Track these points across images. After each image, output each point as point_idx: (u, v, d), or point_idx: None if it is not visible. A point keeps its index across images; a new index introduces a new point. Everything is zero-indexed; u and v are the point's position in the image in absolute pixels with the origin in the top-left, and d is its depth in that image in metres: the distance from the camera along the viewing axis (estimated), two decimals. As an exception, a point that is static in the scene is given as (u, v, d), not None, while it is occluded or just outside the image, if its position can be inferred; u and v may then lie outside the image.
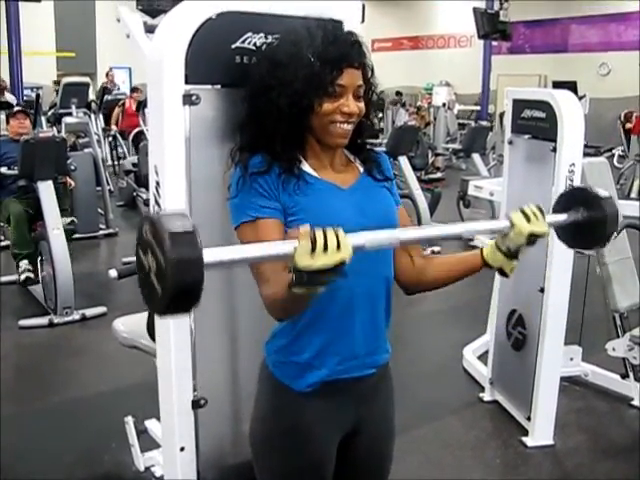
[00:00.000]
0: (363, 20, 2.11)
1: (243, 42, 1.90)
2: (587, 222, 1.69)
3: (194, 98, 1.88)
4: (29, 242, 5.99)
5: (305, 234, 1.30)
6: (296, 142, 1.70)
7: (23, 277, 5.97)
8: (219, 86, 1.96)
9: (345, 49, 1.64)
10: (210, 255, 1.25)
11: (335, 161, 1.75)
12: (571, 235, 1.75)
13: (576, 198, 1.73)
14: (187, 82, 1.88)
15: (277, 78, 1.65)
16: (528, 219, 1.63)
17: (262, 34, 1.91)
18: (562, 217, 1.71)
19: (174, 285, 1.17)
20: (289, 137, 1.67)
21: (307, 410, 1.72)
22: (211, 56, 1.90)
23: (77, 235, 6.98)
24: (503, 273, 1.76)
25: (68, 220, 5.97)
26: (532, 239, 1.64)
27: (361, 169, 1.79)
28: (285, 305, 1.51)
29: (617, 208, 1.69)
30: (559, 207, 1.76)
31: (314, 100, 1.63)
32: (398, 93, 19.52)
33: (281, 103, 1.64)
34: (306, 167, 1.69)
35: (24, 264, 5.97)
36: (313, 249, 1.29)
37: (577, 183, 3.54)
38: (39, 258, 5.86)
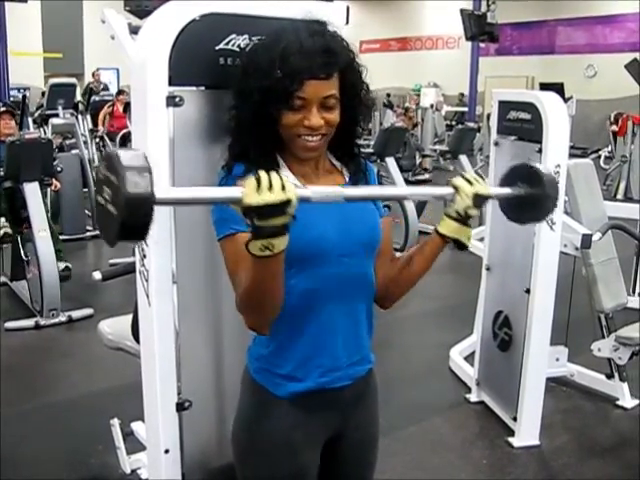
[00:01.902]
0: (347, 22, 2.11)
1: (227, 44, 1.90)
2: (527, 198, 1.73)
3: (178, 100, 1.88)
4: (1, 199, 5.91)
5: (251, 177, 1.34)
6: (270, 150, 1.66)
7: (1, 233, 5.88)
8: (203, 88, 1.96)
9: (307, 60, 1.55)
10: (162, 192, 1.30)
11: (318, 168, 1.72)
12: (513, 209, 1.79)
13: (519, 175, 1.77)
14: (171, 84, 1.87)
15: (242, 87, 1.63)
16: (470, 183, 1.64)
17: (246, 36, 1.90)
18: (505, 190, 1.75)
19: (126, 201, 1.21)
20: (260, 146, 1.64)
21: (289, 416, 1.71)
22: (195, 58, 1.89)
23: (64, 237, 6.95)
24: (461, 245, 1.72)
25: (62, 266, 5.91)
26: (478, 201, 1.64)
27: (347, 178, 1.76)
28: (253, 290, 1.49)
29: (557, 185, 1.75)
30: (506, 180, 1.79)
31: (275, 112, 1.59)
32: (389, 95, 19.58)
33: (245, 113, 1.63)
34: (287, 174, 1.65)
35: (1, 222, 5.90)
36: (258, 187, 1.32)
37: (562, 184, 3.56)
38: (25, 259, 5.83)
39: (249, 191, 1.32)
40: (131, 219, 1.23)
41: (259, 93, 1.58)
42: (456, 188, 1.64)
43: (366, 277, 1.75)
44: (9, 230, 5.89)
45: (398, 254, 1.85)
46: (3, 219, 5.91)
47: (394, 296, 1.84)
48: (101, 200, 1.28)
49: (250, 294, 1.52)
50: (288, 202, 1.33)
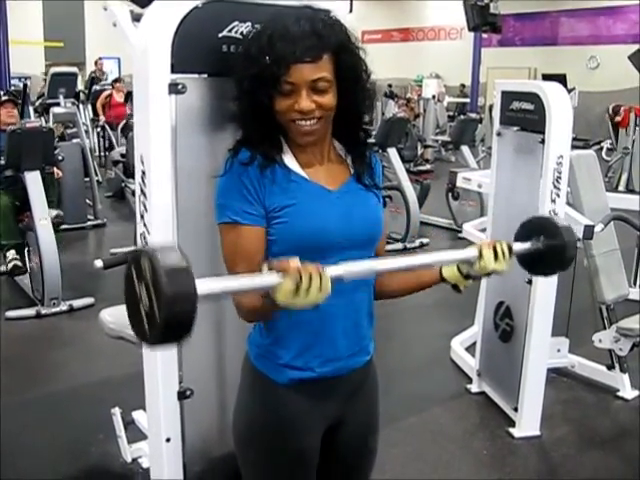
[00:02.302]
0: (351, 10, 2.10)
1: (230, 31, 1.89)
2: (547, 250, 1.77)
3: (180, 87, 1.87)
4: (16, 233, 5.95)
5: (292, 272, 1.34)
6: (271, 136, 1.66)
7: (10, 266, 5.92)
8: (205, 75, 1.95)
9: (291, 45, 1.54)
10: (204, 287, 1.27)
11: (323, 155, 1.71)
12: (532, 262, 1.82)
13: (536, 227, 1.81)
14: (173, 71, 1.87)
15: (239, 75, 1.64)
16: (496, 257, 1.67)
17: (249, 23, 1.90)
18: (525, 246, 1.78)
19: (166, 320, 1.20)
20: (262, 132, 1.64)
21: (289, 403, 1.70)
22: (197, 45, 1.88)
23: (65, 226, 6.95)
24: (456, 288, 1.78)
25: (54, 213, 5.92)
26: (492, 274, 1.70)
27: (352, 170, 1.75)
28: (255, 312, 1.56)
29: (575, 236, 1.79)
30: (521, 234, 1.83)
31: (266, 99, 1.59)
32: (391, 86, 19.53)
33: (245, 100, 1.63)
34: (294, 165, 1.66)
35: (11, 254, 5.93)
36: (297, 289, 1.34)
37: (565, 175, 3.55)
38: (26, 249, 5.84)
39: (285, 290, 1.34)
40: (174, 322, 1.22)
41: (251, 81, 1.59)
42: (481, 256, 1.67)
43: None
44: (19, 263, 5.92)
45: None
46: (13, 251, 5.94)
47: (381, 297, 1.86)
48: (137, 296, 1.25)
49: (249, 314, 1.61)
50: (325, 294, 1.38)
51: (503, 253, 1.68)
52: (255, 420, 1.74)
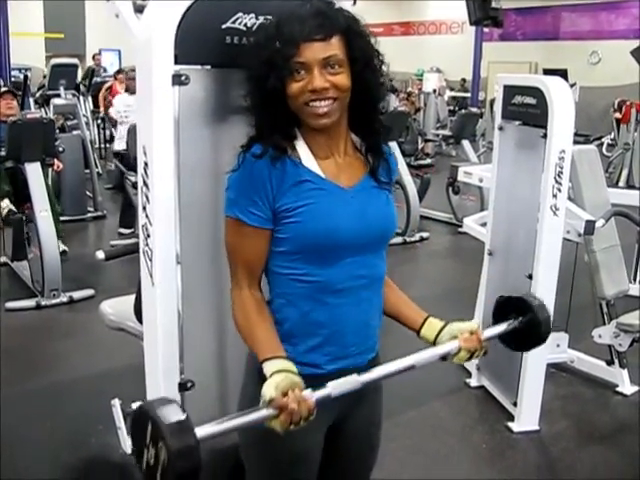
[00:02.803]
0: (354, 2, 2.09)
1: (234, 22, 1.88)
2: (524, 328, 1.87)
3: (183, 78, 1.86)
4: (5, 181, 5.89)
5: (286, 413, 1.45)
6: (284, 128, 1.64)
7: (5, 211, 5.79)
8: (209, 66, 1.94)
9: (299, 24, 1.54)
10: (204, 431, 1.41)
11: (339, 147, 1.68)
12: (511, 339, 1.91)
13: (512, 306, 1.91)
14: (176, 62, 1.86)
15: (250, 69, 1.63)
16: (472, 355, 1.78)
17: (253, 14, 1.89)
18: (502, 327, 1.88)
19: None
20: (274, 124, 1.62)
21: None
22: (201, 36, 1.87)
23: (65, 218, 6.94)
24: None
25: (60, 250, 5.86)
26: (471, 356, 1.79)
27: (367, 165, 1.73)
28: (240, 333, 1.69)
29: (549, 313, 1.89)
30: (497, 314, 1.93)
31: (278, 83, 1.57)
32: (391, 80, 19.47)
33: (257, 92, 1.62)
34: (308, 160, 1.64)
35: (4, 203, 5.82)
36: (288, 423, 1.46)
37: (567, 170, 3.54)
38: (26, 239, 5.81)
39: (278, 426, 1.47)
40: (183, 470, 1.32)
41: (262, 68, 1.57)
42: (459, 351, 1.76)
43: (378, 268, 1.75)
44: (13, 208, 5.84)
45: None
46: (7, 200, 5.87)
47: None
48: (142, 453, 1.36)
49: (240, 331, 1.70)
50: (309, 417, 1.50)
51: (480, 349, 1.78)
52: None
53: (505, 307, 1.92)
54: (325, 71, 1.56)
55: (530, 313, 1.86)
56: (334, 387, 1.54)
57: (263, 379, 1.63)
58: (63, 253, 6.05)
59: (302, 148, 1.65)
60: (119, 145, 7.89)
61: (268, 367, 1.56)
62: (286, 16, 1.57)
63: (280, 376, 1.51)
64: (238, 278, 1.67)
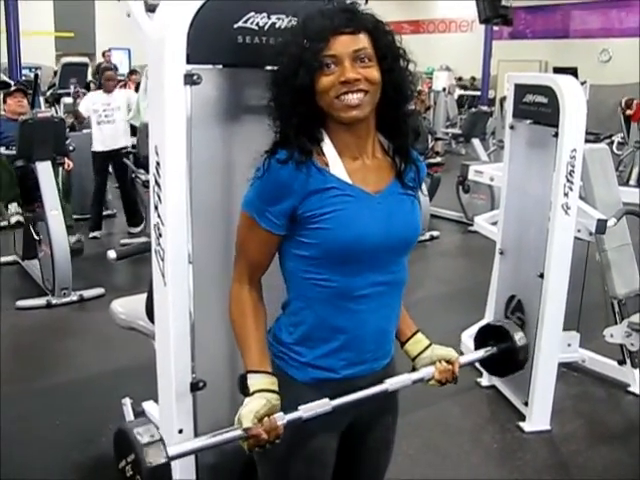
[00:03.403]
0: (367, 1, 2.08)
1: (245, 22, 1.88)
2: (500, 355, 1.97)
3: (195, 78, 1.86)
4: (14, 185, 5.87)
5: (253, 440, 1.57)
6: (311, 129, 1.62)
7: (13, 220, 5.80)
8: (221, 66, 1.94)
9: (328, 19, 1.55)
10: (175, 450, 1.55)
11: (367, 149, 1.66)
12: (490, 364, 2.03)
13: (491, 333, 2.01)
14: (189, 62, 1.86)
15: (277, 71, 1.62)
16: (442, 384, 1.85)
17: (265, 14, 1.89)
18: (480, 353, 1.98)
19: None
20: (303, 124, 1.60)
21: (309, 400, 1.67)
22: (213, 36, 1.87)
23: (75, 216, 6.95)
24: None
25: (74, 239, 5.89)
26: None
27: (395, 168, 1.71)
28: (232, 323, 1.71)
29: (526, 342, 1.98)
30: (478, 340, 2.04)
31: (308, 79, 1.55)
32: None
33: (282, 89, 1.60)
34: (334, 163, 1.61)
35: (13, 207, 5.83)
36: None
37: (578, 169, 3.53)
38: (37, 239, 5.83)
39: (246, 445, 1.59)
40: None
41: (290, 65, 1.56)
42: (432, 378, 1.83)
43: (400, 274, 1.73)
44: (21, 219, 5.86)
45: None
46: (15, 204, 5.89)
47: None
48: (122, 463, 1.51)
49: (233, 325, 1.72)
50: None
51: (451, 379, 1.86)
52: None
53: (486, 334, 2.03)
54: (356, 64, 1.56)
55: (508, 341, 1.95)
56: (305, 410, 1.61)
57: (277, 375, 1.66)
58: (78, 242, 6.08)
59: (329, 149, 1.63)
60: (97, 146, 7.51)
61: (253, 381, 1.62)
62: (312, 13, 1.59)
63: (261, 401, 1.58)
64: (240, 272, 1.69)
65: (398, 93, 1.65)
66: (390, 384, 1.75)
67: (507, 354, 1.95)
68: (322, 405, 1.62)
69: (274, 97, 1.63)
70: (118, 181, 7.89)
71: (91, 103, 7.60)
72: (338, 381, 1.68)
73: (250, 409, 1.56)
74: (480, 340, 2.03)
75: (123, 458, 1.50)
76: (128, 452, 1.48)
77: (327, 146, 1.63)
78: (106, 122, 7.51)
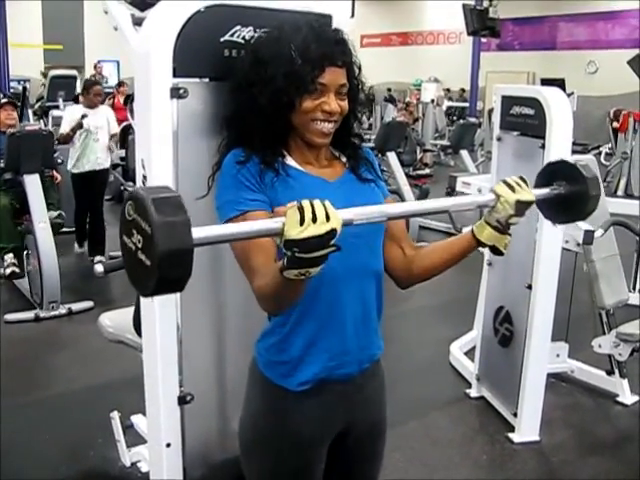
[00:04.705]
0: (353, 15, 2.10)
1: (232, 35, 1.89)
2: (570, 196, 1.72)
3: (182, 91, 1.87)
4: (14, 235, 5.92)
5: (293, 206, 1.29)
6: (277, 138, 1.68)
7: (8, 271, 5.89)
8: (207, 79, 1.95)
9: (327, 48, 1.62)
10: (199, 232, 1.22)
11: (320, 157, 1.74)
12: (554, 209, 1.78)
13: (558, 173, 1.75)
14: (175, 75, 1.86)
15: (259, 75, 1.64)
16: (512, 189, 1.62)
17: (251, 27, 1.90)
18: (545, 191, 1.73)
19: (163, 252, 1.14)
20: (269, 133, 1.66)
21: (297, 411, 1.69)
22: (200, 49, 1.88)
23: (64, 229, 6.93)
24: (496, 251, 1.70)
25: (55, 214, 5.89)
26: (520, 208, 1.62)
27: (346, 164, 1.78)
28: (277, 294, 1.47)
29: (599, 183, 1.73)
30: (541, 181, 1.78)
31: (295, 97, 1.62)
32: (390, 90, 19.55)
33: (262, 100, 1.63)
34: (290, 161, 1.69)
35: (9, 258, 5.90)
36: (302, 220, 1.28)
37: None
38: (25, 252, 5.82)
39: (292, 224, 1.28)
40: (169, 274, 1.17)
41: (280, 80, 1.60)
42: (498, 196, 1.62)
43: (375, 258, 1.75)
44: (17, 269, 5.88)
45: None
46: (11, 255, 5.90)
47: (413, 280, 1.83)
48: (130, 244, 1.20)
49: (272, 300, 1.52)
50: (333, 232, 1.30)
51: (517, 183, 1.63)
52: (262, 430, 1.72)
53: (551, 172, 1.77)
54: (336, 96, 1.65)
55: (578, 180, 1.70)
56: (356, 213, 1.42)
57: (266, 387, 1.64)
58: (59, 216, 6.05)
59: (287, 156, 1.70)
60: (80, 167, 6.80)
61: None
62: (311, 34, 1.63)
63: None
64: (256, 269, 1.55)
65: (354, 117, 1.78)
66: (448, 203, 1.65)
67: (575, 199, 1.71)
68: (378, 210, 1.51)
69: (253, 103, 1.64)
70: (91, 204, 7.07)
71: (73, 119, 6.76)
72: (326, 380, 1.68)
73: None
74: (544, 180, 1.77)
75: (128, 227, 1.20)
76: (136, 214, 1.18)
77: (287, 158, 1.70)
78: (96, 140, 6.84)
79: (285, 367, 1.69)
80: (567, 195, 1.71)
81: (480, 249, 1.73)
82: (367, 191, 1.76)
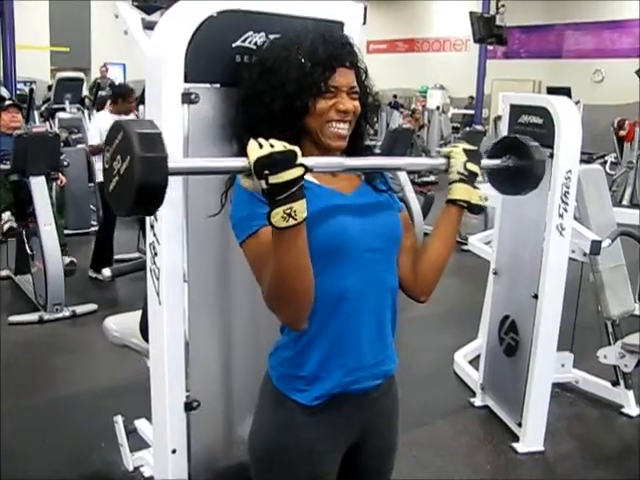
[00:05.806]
0: (365, 22, 2.10)
1: (244, 41, 1.88)
2: (517, 168, 1.86)
3: (193, 97, 1.86)
4: (6, 194, 5.85)
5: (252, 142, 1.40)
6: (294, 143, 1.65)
7: (6, 227, 5.72)
8: (218, 85, 1.95)
9: (335, 49, 1.64)
10: (174, 162, 1.37)
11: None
12: (502, 181, 1.93)
13: (506, 146, 1.90)
14: (186, 80, 1.87)
15: (269, 83, 1.63)
16: (456, 146, 1.78)
17: (263, 33, 1.89)
18: (494, 162, 1.88)
19: (142, 162, 1.28)
20: (286, 138, 1.61)
21: (311, 426, 1.67)
22: (211, 55, 1.88)
23: (69, 231, 6.93)
24: (474, 208, 1.78)
25: (67, 260, 5.82)
26: (471, 156, 1.75)
27: (362, 177, 1.77)
28: (281, 277, 1.46)
29: (544, 156, 1.90)
30: (492, 154, 1.93)
31: (308, 101, 1.62)
32: (395, 96, 19.55)
33: (274, 107, 1.62)
34: (307, 177, 1.62)
35: (6, 216, 5.77)
36: (261, 145, 1.38)
37: (573, 190, 3.54)
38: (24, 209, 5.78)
39: (253, 149, 1.38)
40: (148, 180, 1.29)
41: (291, 84, 1.61)
42: (447, 155, 1.76)
43: (391, 272, 1.74)
44: (14, 224, 5.82)
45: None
46: (8, 213, 5.86)
47: (426, 284, 1.83)
48: (113, 169, 1.34)
49: (279, 279, 1.47)
50: (294, 152, 1.38)
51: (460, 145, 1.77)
52: (275, 444, 1.70)
53: (500, 148, 1.92)
54: (348, 97, 1.66)
55: (525, 153, 1.86)
56: (316, 162, 1.53)
57: (279, 401, 1.64)
58: (71, 264, 5.98)
59: None
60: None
61: None
62: (319, 38, 1.64)
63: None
64: (264, 274, 1.53)
65: (365, 122, 1.78)
66: (406, 163, 1.87)
67: (523, 168, 1.86)
68: (336, 161, 1.61)
69: (261, 111, 1.65)
70: (105, 215, 6.61)
71: (102, 126, 6.41)
72: (340, 396, 1.67)
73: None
74: (494, 154, 1.92)
75: (112, 158, 1.36)
76: (120, 146, 1.34)
77: None
78: None
79: (300, 382, 1.67)
80: (514, 169, 1.86)
81: (468, 215, 1.82)
82: (383, 204, 1.75)
